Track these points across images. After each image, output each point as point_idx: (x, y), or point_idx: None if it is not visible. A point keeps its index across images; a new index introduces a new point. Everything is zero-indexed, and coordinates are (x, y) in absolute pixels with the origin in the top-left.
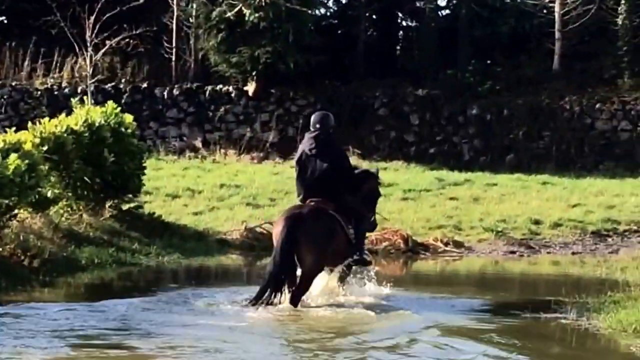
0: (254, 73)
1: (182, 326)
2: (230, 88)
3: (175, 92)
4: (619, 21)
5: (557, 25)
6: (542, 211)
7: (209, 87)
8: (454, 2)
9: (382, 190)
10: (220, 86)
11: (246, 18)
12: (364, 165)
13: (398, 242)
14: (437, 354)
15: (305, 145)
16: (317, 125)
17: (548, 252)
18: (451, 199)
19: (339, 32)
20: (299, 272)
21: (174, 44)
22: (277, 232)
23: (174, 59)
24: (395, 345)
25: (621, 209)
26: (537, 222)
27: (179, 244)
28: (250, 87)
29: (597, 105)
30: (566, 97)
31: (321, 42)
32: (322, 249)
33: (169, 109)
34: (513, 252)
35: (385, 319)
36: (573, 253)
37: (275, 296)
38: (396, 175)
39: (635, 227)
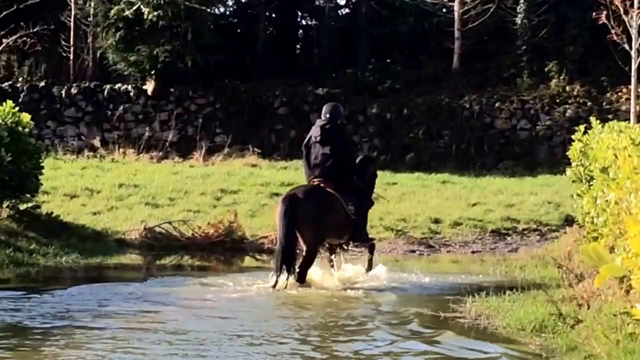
0: (152, 72)
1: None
2: (129, 87)
3: (74, 91)
4: (518, 20)
5: (456, 25)
6: (442, 210)
7: (108, 86)
8: (354, 1)
9: (284, 189)
10: (119, 85)
11: (145, 16)
12: (264, 164)
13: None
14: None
15: (313, 131)
16: (327, 115)
17: (448, 251)
18: None
19: (239, 31)
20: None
21: (72, 43)
22: (277, 212)
23: (72, 57)
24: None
25: (520, 208)
26: (437, 221)
27: (77, 244)
28: (149, 86)
29: (497, 105)
30: (466, 96)
31: (220, 41)
32: (318, 224)
33: (67, 108)
34: (413, 251)
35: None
36: (473, 252)
37: (289, 271)
38: (296, 175)
39: (534, 226)
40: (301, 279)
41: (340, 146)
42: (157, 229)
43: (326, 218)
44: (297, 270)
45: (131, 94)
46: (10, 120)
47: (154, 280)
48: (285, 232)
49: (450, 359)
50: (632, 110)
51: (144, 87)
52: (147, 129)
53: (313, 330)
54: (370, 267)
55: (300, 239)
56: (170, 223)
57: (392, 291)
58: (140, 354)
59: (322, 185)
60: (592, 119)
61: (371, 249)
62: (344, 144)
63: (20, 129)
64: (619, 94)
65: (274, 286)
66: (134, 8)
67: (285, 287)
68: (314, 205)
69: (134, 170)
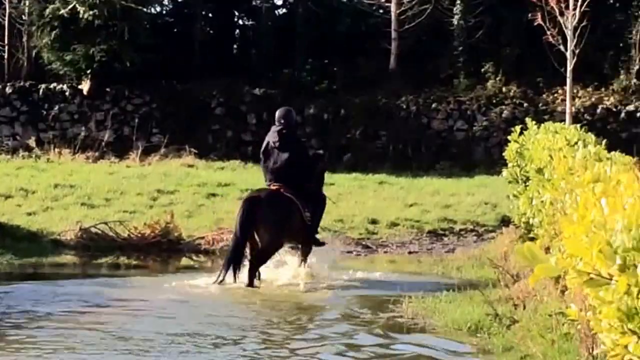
0: (88, 71)
1: None
2: (65, 86)
3: (8, 90)
4: (455, 21)
5: (393, 25)
6: (379, 211)
7: (43, 86)
8: (291, 1)
9: (221, 190)
10: (55, 84)
11: (80, 16)
12: (201, 164)
13: None
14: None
15: (270, 137)
16: (282, 121)
17: (385, 252)
18: None
19: (175, 30)
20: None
21: (6, 42)
22: (237, 213)
23: (6, 56)
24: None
25: (457, 209)
26: (374, 222)
27: (12, 245)
28: (85, 86)
29: (434, 105)
30: (403, 96)
31: (157, 40)
32: (278, 228)
33: (2, 107)
34: (350, 252)
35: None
36: (410, 252)
37: (236, 270)
38: (233, 175)
39: (471, 227)
40: (251, 280)
41: (298, 151)
42: (93, 230)
43: (285, 223)
44: (250, 266)
45: (67, 93)
46: None
47: (90, 280)
48: (240, 232)
49: (387, 358)
50: (567, 111)
51: (80, 86)
52: (83, 128)
53: (251, 332)
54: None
55: (257, 241)
56: (106, 223)
57: (330, 291)
58: (78, 354)
59: (282, 190)
60: (528, 119)
61: (307, 252)
62: (301, 149)
63: None
64: (555, 95)
65: (220, 282)
66: (70, 7)
67: (221, 283)
68: (274, 209)
69: (69, 171)
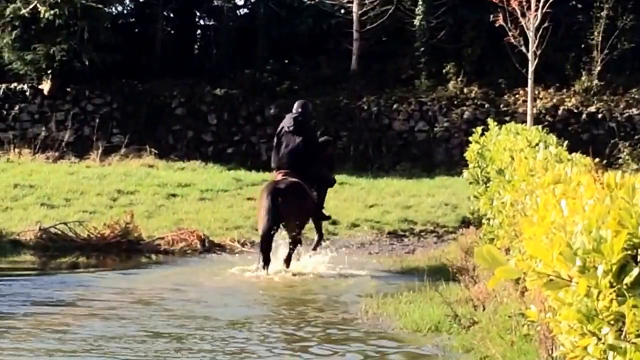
0: (49, 71)
1: None
2: (25, 86)
3: None
4: (416, 22)
5: (355, 26)
6: (340, 211)
7: (3, 85)
8: (252, 1)
9: (181, 190)
10: (15, 84)
11: (41, 15)
12: (161, 164)
13: (195, 243)
14: None
15: (285, 122)
16: (299, 110)
17: (345, 253)
18: (249, 199)
19: (136, 30)
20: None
21: None
22: (262, 204)
23: None
24: None
25: (417, 210)
26: (334, 223)
27: None
28: (46, 86)
29: (395, 106)
30: (364, 97)
31: (118, 40)
32: (303, 214)
33: None
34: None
35: None
36: (370, 253)
37: (268, 254)
38: (193, 176)
39: (431, 228)
40: (288, 262)
41: (309, 137)
42: (53, 230)
43: (304, 207)
44: (287, 255)
45: (27, 93)
46: None
47: (49, 280)
48: (268, 224)
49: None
50: (528, 112)
51: (40, 86)
52: (43, 128)
53: (207, 324)
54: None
55: (286, 229)
56: (65, 224)
57: (290, 292)
58: (38, 355)
59: (291, 177)
60: (490, 120)
61: (320, 227)
62: (312, 135)
63: None
64: (516, 96)
65: (265, 267)
66: (31, 7)
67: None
68: (298, 199)
69: (29, 171)
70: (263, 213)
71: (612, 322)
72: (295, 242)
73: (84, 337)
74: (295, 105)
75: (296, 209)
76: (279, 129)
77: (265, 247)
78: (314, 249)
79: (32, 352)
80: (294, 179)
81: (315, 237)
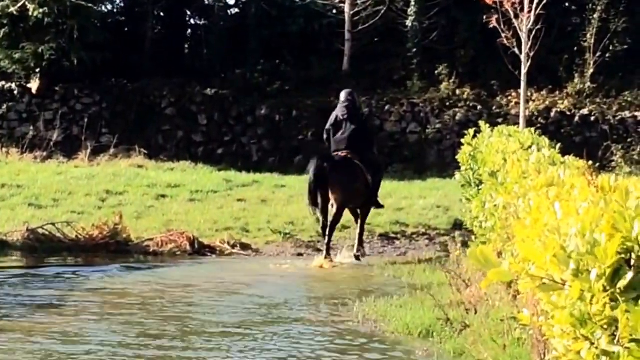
0: (37, 70)
1: None
2: (13, 85)
3: None
4: (409, 23)
5: (347, 26)
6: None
7: None
8: (243, 0)
9: (171, 191)
10: (3, 83)
11: (30, 13)
12: (150, 165)
13: (184, 244)
14: None
15: (338, 112)
16: (349, 98)
17: (335, 255)
18: (239, 200)
19: (126, 29)
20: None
21: None
22: (311, 175)
23: None
24: None
25: (409, 212)
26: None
27: None
28: (34, 85)
29: (387, 107)
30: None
31: (107, 39)
32: (347, 189)
33: None
34: (301, 254)
35: None
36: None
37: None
38: (183, 176)
39: (423, 230)
40: (331, 233)
41: (362, 124)
42: (40, 231)
43: (353, 184)
44: (330, 225)
45: (15, 92)
46: None
47: (38, 281)
48: (314, 190)
49: None
50: (521, 114)
51: (29, 85)
52: (31, 128)
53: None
54: (360, 243)
55: (332, 200)
56: (53, 224)
57: (280, 293)
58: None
59: (349, 156)
60: (482, 122)
61: (366, 215)
62: (365, 122)
63: None
64: (509, 98)
65: (327, 254)
66: (19, 4)
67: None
68: (345, 170)
69: (17, 171)
70: (310, 182)
71: (605, 327)
72: (335, 222)
73: (79, 338)
74: (343, 95)
75: (345, 180)
76: (332, 118)
77: (312, 202)
78: (360, 244)
79: (31, 354)
80: (349, 157)
81: (357, 230)
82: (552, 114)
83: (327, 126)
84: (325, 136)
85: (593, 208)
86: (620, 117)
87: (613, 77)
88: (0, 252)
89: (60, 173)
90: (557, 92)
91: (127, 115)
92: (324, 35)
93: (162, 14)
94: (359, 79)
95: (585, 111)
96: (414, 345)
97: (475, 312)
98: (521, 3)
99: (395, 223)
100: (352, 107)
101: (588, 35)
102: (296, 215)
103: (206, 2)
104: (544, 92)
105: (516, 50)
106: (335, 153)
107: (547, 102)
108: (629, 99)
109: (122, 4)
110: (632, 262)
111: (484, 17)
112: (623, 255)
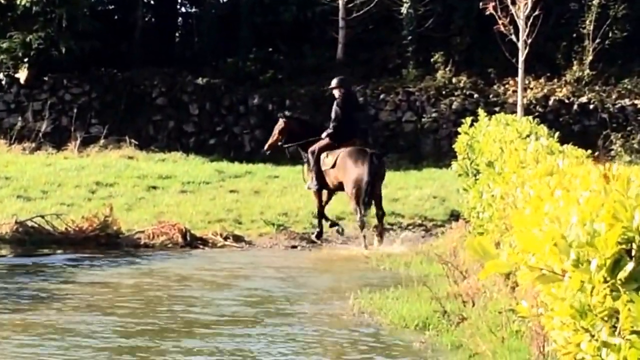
0: (25, 59)
1: None
2: (1, 75)
3: None
4: (404, 10)
5: (340, 13)
6: None
7: None
8: None
9: (162, 182)
10: None
11: (18, 2)
12: (141, 156)
13: (176, 236)
14: None
15: (345, 98)
16: (345, 86)
17: (330, 247)
18: (231, 191)
19: (116, 17)
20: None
21: None
22: (360, 170)
23: None
24: None
25: (405, 202)
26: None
27: None
28: (22, 75)
29: (382, 96)
30: (350, 87)
31: (97, 27)
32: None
33: None
34: (295, 247)
35: None
36: (356, 247)
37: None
38: (175, 167)
39: (419, 221)
40: (380, 222)
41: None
42: (29, 223)
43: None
44: (378, 216)
45: (3, 82)
46: None
47: (26, 274)
48: (369, 185)
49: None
50: (519, 102)
51: (17, 75)
52: (20, 119)
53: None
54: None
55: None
56: (42, 217)
57: (275, 285)
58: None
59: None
60: (479, 111)
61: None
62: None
63: None
64: (506, 86)
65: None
66: None
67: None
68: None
69: (5, 162)
70: (362, 171)
71: (606, 318)
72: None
73: (75, 332)
74: (335, 81)
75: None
76: (337, 112)
77: (365, 207)
78: (380, 236)
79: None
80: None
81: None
82: (551, 102)
83: (334, 122)
84: (332, 132)
85: (593, 197)
86: (619, 105)
87: (612, 64)
88: None
89: (49, 164)
90: (556, 80)
91: (117, 105)
92: (318, 23)
93: (152, 2)
94: (353, 68)
95: (584, 99)
96: (410, 338)
97: (473, 304)
98: None
99: (390, 214)
100: (352, 96)
101: (587, 22)
102: (290, 207)
103: None
104: (542, 80)
105: (513, 37)
106: (355, 146)
107: (545, 90)
108: (629, 87)
109: None
110: (633, 252)
111: (480, 4)
112: (624, 246)
